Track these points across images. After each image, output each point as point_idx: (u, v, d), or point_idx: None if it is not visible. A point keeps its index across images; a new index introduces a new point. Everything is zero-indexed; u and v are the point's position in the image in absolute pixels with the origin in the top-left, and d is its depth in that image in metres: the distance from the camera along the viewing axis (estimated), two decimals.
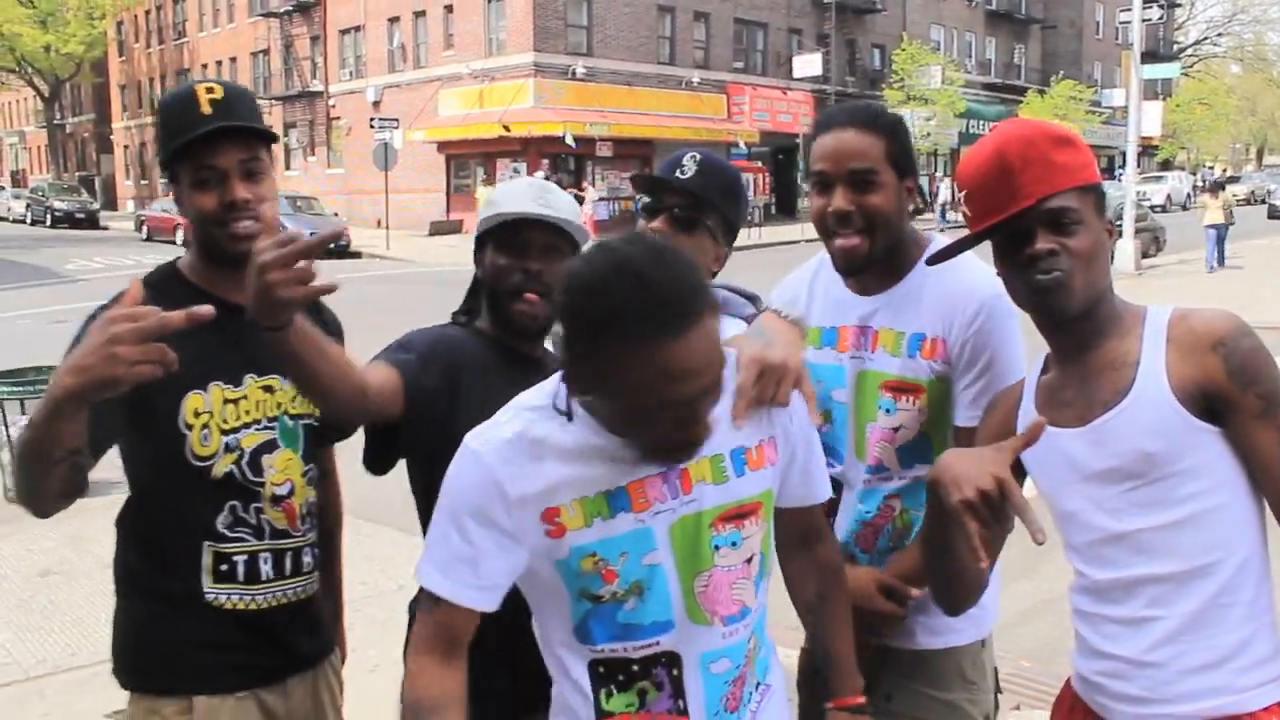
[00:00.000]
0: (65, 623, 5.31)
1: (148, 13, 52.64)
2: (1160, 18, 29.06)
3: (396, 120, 31.58)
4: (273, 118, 40.15)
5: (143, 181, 52.86)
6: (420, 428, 2.03)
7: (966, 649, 2.24)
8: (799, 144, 37.09)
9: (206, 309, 1.61)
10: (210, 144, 2.00)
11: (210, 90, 2.02)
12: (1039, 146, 1.73)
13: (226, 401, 2.07)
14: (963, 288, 2.12)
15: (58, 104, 53.04)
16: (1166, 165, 58.44)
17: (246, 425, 2.09)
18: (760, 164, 39.02)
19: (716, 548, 1.66)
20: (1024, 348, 2.11)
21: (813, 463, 1.81)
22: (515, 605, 1.72)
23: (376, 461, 2.14)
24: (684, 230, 2.15)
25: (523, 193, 2.12)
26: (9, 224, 42.36)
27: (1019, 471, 1.80)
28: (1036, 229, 1.71)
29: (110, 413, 1.82)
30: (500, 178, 32.75)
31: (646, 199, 2.22)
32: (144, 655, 2.13)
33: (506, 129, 31.90)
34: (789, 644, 2.26)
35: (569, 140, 31.07)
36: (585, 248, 1.71)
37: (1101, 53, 56.85)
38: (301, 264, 1.62)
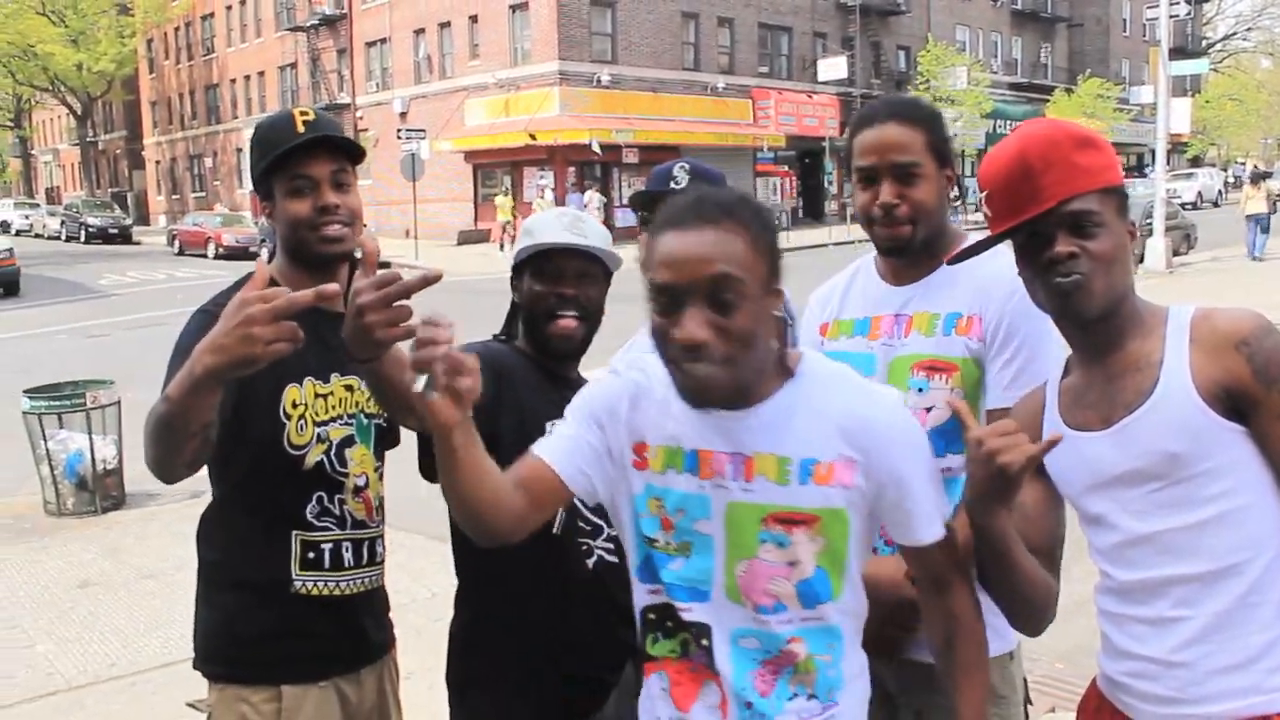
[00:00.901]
0: (105, 633, 5.38)
1: (177, 30, 53.29)
2: (1188, 13, 28.88)
3: (423, 131, 31.68)
4: None
5: (174, 196, 53.47)
6: None
7: (994, 662, 2.21)
8: (825, 147, 37.02)
9: (333, 287, 1.69)
10: (304, 155, 2.20)
11: (304, 114, 2.25)
12: (1062, 148, 1.73)
13: (317, 396, 2.25)
14: (999, 268, 2.11)
15: (90, 121, 53.73)
16: (1196, 162, 57.91)
17: (334, 419, 2.27)
18: (786, 168, 38.97)
19: (762, 541, 1.70)
20: (1057, 333, 2.09)
21: (909, 500, 1.73)
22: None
23: (430, 466, 2.19)
24: None
25: (556, 222, 2.28)
26: (44, 240, 42.97)
27: (1041, 472, 1.81)
28: (1057, 231, 1.71)
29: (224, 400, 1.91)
30: (529, 186, 32.93)
31: (646, 214, 2.29)
32: (232, 646, 2.26)
33: (533, 137, 32.02)
34: None
35: (595, 148, 31.14)
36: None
37: (1129, 50, 56.39)
38: (398, 304, 1.70)
